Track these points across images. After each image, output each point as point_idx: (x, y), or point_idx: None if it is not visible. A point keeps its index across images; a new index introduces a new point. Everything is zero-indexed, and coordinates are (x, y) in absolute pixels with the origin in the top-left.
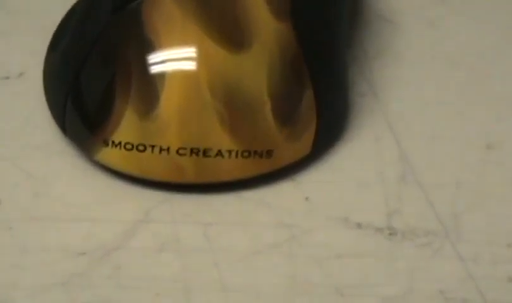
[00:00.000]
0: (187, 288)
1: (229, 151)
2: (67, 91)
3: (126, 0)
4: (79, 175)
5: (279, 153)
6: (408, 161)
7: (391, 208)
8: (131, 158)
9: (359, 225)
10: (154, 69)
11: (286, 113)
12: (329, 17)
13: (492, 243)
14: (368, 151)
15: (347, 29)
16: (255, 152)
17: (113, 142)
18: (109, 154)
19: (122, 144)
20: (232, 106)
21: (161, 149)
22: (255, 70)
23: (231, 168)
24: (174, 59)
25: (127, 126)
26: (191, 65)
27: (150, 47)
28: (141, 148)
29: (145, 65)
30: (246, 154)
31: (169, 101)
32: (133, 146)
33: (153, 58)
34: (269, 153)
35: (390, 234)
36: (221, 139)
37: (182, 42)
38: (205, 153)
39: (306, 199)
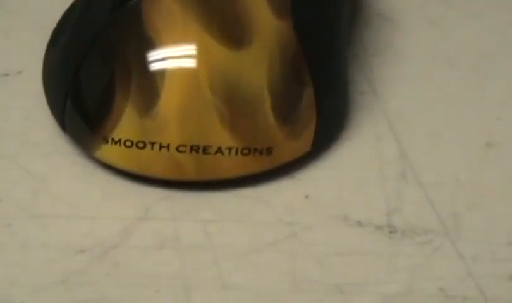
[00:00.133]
0: (187, 286)
1: (229, 149)
2: (66, 89)
3: None
4: (79, 173)
5: (279, 151)
6: (407, 159)
7: (391, 206)
8: (131, 155)
9: (359, 223)
10: (154, 67)
11: (286, 111)
12: (329, 16)
13: (491, 242)
14: (368, 149)
15: (347, 28)
16: (255, 149)
17: (113, 139)
18: (108, 152)
19: (122, 141)
20: (233, 103)
21: (161, 147)
22: (255, 67)
23: (231, 166)
24: (174, 57)
25: (127, 123)
26: (191, 63)
27: (150, 45)
28: (141, 145)
29: (145, 63)
30: (246, 151)
31: (169, 99)
32: (132, 143)
33: (153, 55)
34: (269, 151)
35: (390, 232)
36: (221, 137)
37: (183, 39)
38: (205, 150)
39: (306, 196)
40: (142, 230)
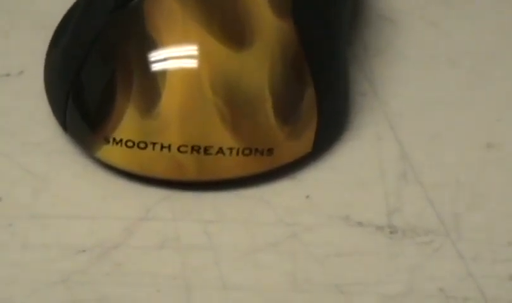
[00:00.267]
0: (187, 286)
1: (230, 149)
2: (68, 89)
3: None
4: (80, 173)
5: (279, 151)
6: (408, 159)
7: (392, 207)
8: (132, 156)
9: (360, 223)
10: (155, 67)
11: (287, 111)
12: (330, 16)
13: (492, 242)
14: (368, 150)
15: (347, 28)
16: (256, 150)
17: (114, 139)
18: (109, 152)
19: (123, 141)
20: (234, 104)
21: (162, 147)
22: (256, 68)
23: (231, 166)
24: (175, 57)
25: (128, 123)
26: (192, 63)
27: (152, 45)
28: (142, 145)
29: (146, 63)
30: (247, 152)
31: (170, 99)
32: (134, 143)
33: (154, 55)
34: (270, 151)
35: (390, 232)
36: (222, 137)
37: (184, 40)
38: (206, 150)
39: (307, 197)
40: (143, 230)
